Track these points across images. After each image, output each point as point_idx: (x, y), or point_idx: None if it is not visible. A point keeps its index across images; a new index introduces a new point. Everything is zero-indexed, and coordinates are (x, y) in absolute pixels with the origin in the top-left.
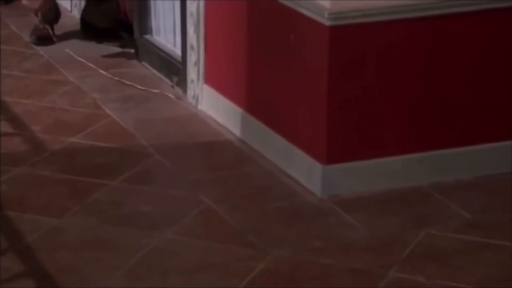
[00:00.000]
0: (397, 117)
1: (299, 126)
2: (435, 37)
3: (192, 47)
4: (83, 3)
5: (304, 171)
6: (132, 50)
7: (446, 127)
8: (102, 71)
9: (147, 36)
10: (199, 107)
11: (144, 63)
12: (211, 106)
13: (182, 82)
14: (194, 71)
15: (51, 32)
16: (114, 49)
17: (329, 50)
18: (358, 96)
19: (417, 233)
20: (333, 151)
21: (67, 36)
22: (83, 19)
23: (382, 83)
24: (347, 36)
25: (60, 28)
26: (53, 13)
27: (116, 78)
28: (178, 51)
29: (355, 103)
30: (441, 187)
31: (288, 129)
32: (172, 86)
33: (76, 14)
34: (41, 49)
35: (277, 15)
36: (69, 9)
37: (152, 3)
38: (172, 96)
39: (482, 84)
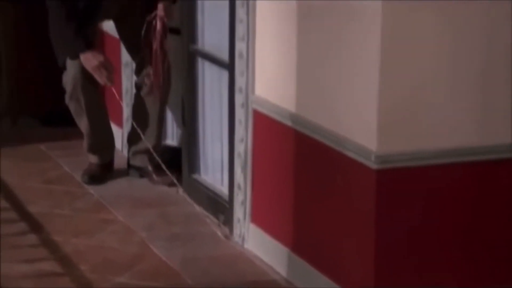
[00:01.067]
0: (446, 259)
1: (346, 267)
2: (482, 181)
3: (239, 187)
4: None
5: None
6: (180, 188)
7: (495, 269)
8: (150, 209)
9: (195, 175)
10: (245, 246)
11: (191, 200)
12: (257, 245)
13: (228, 221)
14: (240, 210)
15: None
16: (161, 187)
17: (376, 193)
18: (406, 238)
19: None
20: None
21: (117, 174)
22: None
23: (430, 226)
24: (394, 179)
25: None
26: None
27: (163, 217)
28: (225, 190)
29: (402, 245)
30: None
31: (334, 270)
32: (218, 225)
33: (126, 153)
34: (91, 188)
35: (324, 157)
36: (120, 149)
37: (201, 143)
38: (220, 234)
39: None
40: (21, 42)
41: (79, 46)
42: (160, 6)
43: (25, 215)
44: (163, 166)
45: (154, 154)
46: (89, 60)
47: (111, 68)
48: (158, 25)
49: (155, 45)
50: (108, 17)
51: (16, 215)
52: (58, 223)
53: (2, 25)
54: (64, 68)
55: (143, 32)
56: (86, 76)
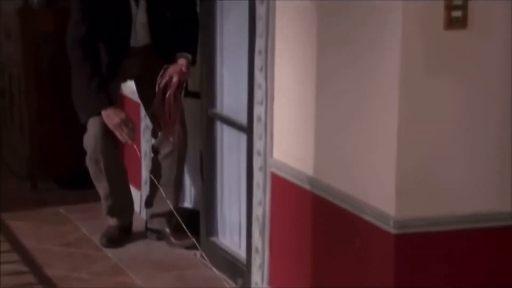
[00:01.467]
0: None
1: None
2: (501, 247)
3: (257, 250)
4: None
5: None
6: (197, 251)
7: None
8: (167, 273)
9: (213, 238)
10: None
11: (209, 264)
12: None
13: (246, 284)
14: (258, 274)
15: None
16: (179, 250)
17: (395, 257)
18: None
19: None
20: None
21: (134, 237)
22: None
23: None
24: (413, 244)
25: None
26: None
27: (181, 280)
28: (243, 253)
29: None
30: None
31: None
32: None
33: (144, 216)
34: (109, 251)
35: (342, 221)
36: (138, 211)
37: (219, 206)
38: None
39: None
40: (43, 106)
41: (101, 103)
42: (181, 62)
43: (42, 278)
44: (184, 227)
45: (176, 215)
46: (111, 117)
47: (132, 126)
48: (174, 78)
49: (169, 92)
50: (129, 77)
51: (34, 278)
52: (76, 287)
53: (25, 91)
54: (85, 125)
55: (158, 77)
56: (107, 135)
